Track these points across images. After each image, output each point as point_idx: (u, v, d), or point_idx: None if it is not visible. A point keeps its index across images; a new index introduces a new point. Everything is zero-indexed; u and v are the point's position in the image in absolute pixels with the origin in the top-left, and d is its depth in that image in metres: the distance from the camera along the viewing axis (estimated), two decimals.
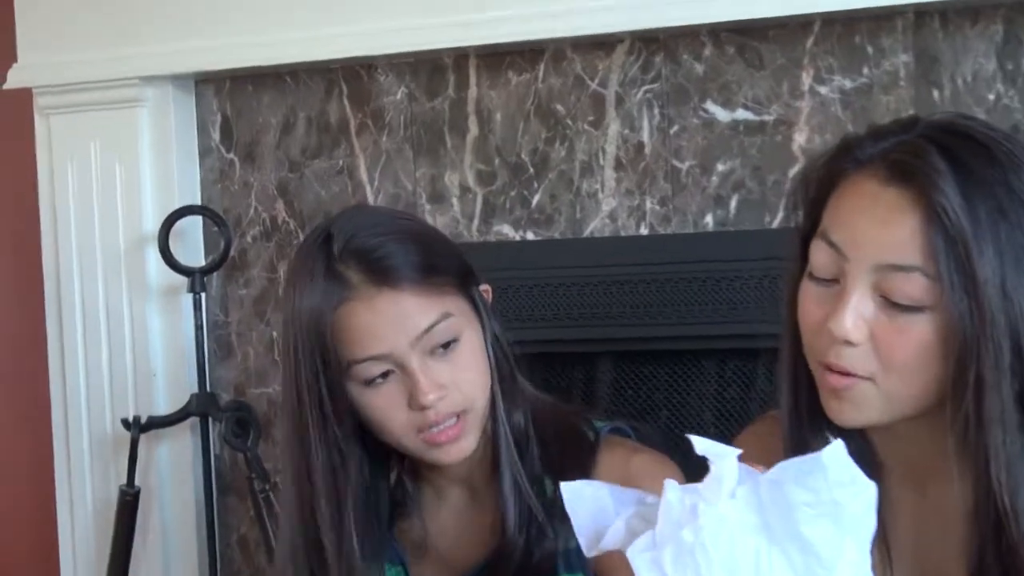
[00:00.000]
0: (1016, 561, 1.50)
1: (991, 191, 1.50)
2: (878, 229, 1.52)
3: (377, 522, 1.92)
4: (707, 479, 1.39)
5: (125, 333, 2.91)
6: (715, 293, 2.38)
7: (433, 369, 1.79)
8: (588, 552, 1.48)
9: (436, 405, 1.78)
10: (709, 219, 2.44)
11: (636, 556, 1.42)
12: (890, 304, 1.50)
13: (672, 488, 1.40)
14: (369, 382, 1.80)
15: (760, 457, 1.50)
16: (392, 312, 1.78)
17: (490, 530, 1.86)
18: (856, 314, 1.50)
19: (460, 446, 1.83)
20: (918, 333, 1.50)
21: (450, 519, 1.95)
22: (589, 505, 1.52)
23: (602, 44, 2.50)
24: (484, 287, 1.91)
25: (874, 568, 1.39)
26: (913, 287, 1.49)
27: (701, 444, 1.36)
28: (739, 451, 1.36)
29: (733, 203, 2.42)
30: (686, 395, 2.43)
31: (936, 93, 2.27)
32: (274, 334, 2.86)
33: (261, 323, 2.89)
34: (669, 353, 2.47)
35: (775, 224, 2.38)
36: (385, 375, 1.79)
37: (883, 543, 1.61)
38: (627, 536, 1.46)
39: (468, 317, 1.84)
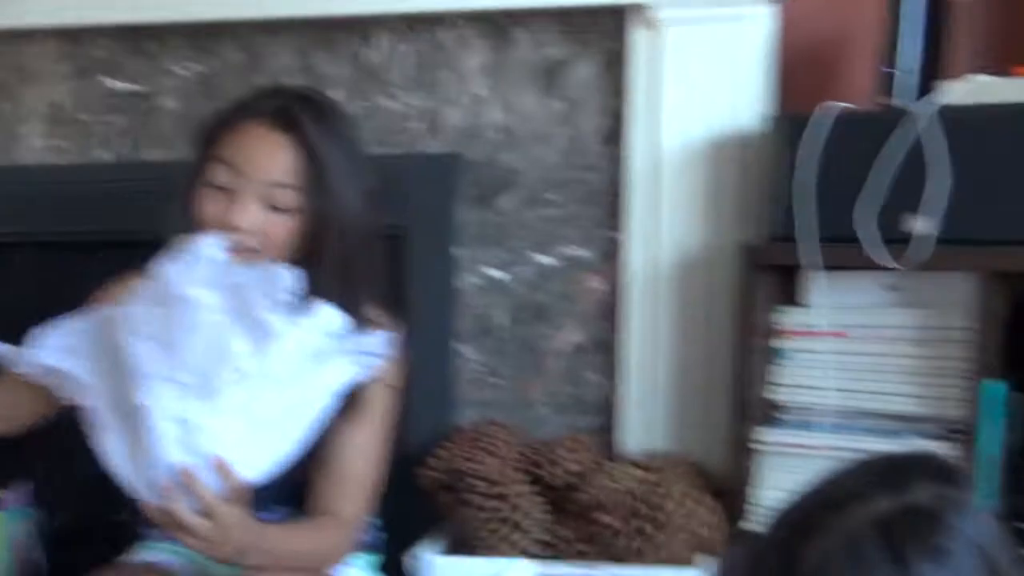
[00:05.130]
0: None
1: (331, 136, 1.75)
2: (267, 159, 1.73)
3: None
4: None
5: None
6: (109, 203, 2.41)
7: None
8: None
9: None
10: (105, 155, 2.49)
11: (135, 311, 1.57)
12: (271, 207, 1.72)
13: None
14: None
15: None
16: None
17: None
18: (249, 212, 1.71)
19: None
20: (288, 225, 1.73)
21: None
22: None
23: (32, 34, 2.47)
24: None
25: None
26: (288, 197, 1.72)
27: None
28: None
29: (121, 145, 2.48)
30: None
31: (257, 78, 2.40)
32: None
33: None
34: (69, 244, 2.48)
35: (149, 159, 2.45)
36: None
37: None
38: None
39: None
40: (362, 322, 1.77)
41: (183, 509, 1.56)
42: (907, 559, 0.95)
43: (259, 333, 1.58)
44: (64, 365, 1.65)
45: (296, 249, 1.75)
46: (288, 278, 1.64)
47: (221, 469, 1.55)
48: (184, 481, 1.54)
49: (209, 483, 1.55)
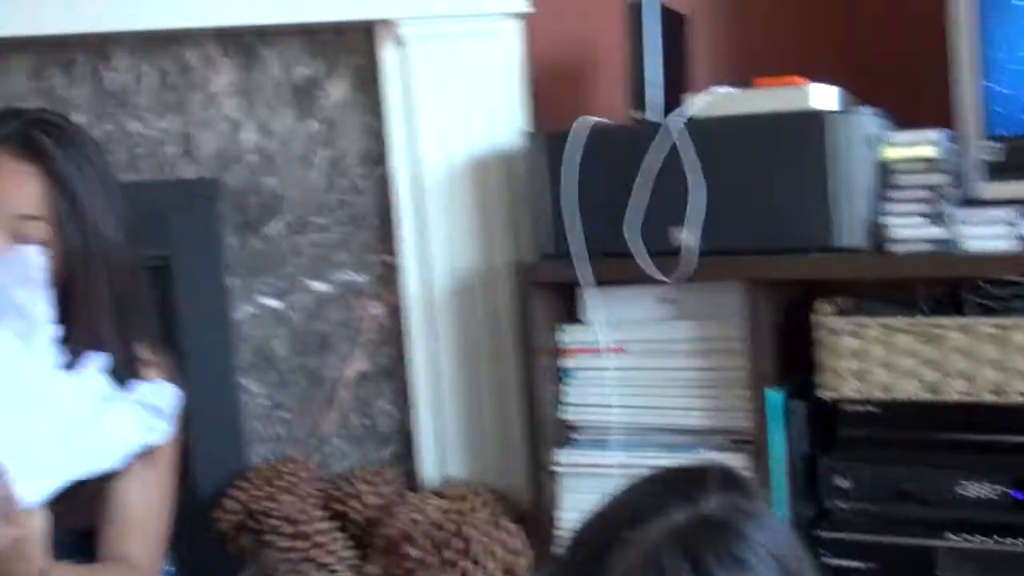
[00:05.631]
0: None
1: (79, 161, 1.65)
2: (12, 191, 1.62)
3: None
4: None
5: None
6: None
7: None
8: None
9: None
10: None
11: None
12: (22, 242, 1.60)
13: None
14: None
15: None
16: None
17: None
18: None
19: None
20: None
21: None
22: None
23: None
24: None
25: None
26: (38, 230, 1.62)
27: None
28: None
29: None
30: None
31: None
32: None
33: None
34: None
35: None
36: None
37: None
38: None
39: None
40: (135, 361, 1.70)
41: None
42: (707, 570, 0.94)
43: (20, 322, 1.50)
44: None
45: (54, 285, 1.62)
46: (35, 256, 1.56)
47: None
48: None
49: None
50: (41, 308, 1.54)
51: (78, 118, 2.27)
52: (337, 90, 2.25)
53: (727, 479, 1.03)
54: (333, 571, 2.06)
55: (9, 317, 1.52)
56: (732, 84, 1.91)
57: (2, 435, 1.48)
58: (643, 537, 0.96)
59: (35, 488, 1.51)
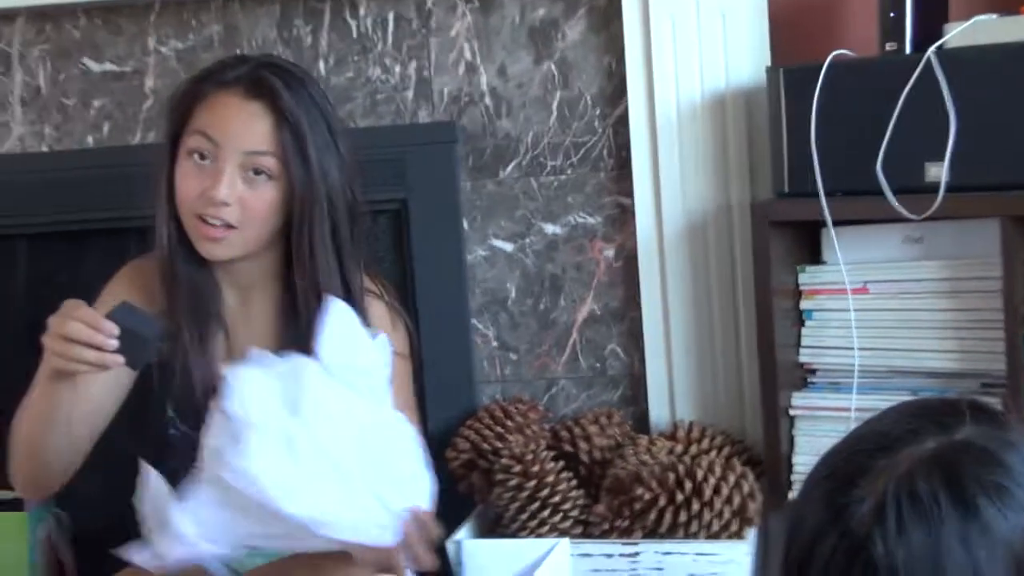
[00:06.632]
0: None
1: (305, 102, 1.74)
2: (244, 128, 1.71)
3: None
4: None
5: None
6: (96, 189, 2.35)
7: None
8: None
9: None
10: (90, 139, 2.41)
11: None
12: (252, 178, 1.70)
13: None
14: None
15: (135, 290, 1.74)
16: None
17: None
18: (229, 184, 1.69)
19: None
20: (269, 197, 1.71)
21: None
22: None
23: (4, 17, 2.38)
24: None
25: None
26: (268, 163, 1.70)
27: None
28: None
29: (106, 128, 2.41)
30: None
31: (237, 50, 2.32)
32: None
33: None
34: (59, 234, 2.43)
35: (135, 142, 2.38)
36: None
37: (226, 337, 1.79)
38: None
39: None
40: (355, 293, 1.75)
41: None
42: (970, 499, 0.89)
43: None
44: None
45: (277, 222, 1.73)
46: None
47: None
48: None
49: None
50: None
51: (321, 65, 2.33)
52: (574, 31, 2.22)
53: (982, 410, 0.97)
54: (561, 511, 2.03)
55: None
56: (995, 12, 1.79)
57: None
58: (895, 464, 0.91)
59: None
